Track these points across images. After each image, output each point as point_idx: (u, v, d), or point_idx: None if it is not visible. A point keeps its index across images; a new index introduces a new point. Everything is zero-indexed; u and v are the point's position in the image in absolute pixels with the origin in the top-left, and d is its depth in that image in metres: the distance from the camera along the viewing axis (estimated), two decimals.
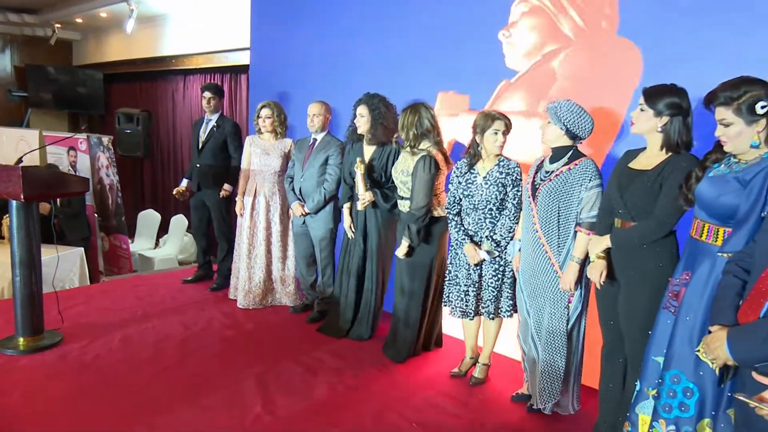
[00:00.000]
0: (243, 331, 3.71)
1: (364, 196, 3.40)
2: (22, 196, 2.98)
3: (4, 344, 3.26)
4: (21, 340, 3.27)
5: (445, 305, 3.21)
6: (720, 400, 1.93)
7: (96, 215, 6.41)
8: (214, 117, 4.45)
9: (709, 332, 1.69)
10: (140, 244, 7.06)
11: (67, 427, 2.52)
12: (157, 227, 7.22)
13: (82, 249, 5.54)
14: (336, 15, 4.51)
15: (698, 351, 1.96)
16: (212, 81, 7.38)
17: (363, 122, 3.43)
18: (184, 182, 4.58)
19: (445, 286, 3.19)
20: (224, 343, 3.54)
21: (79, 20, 8.50)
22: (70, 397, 2.78)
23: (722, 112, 1.88)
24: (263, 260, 4.05)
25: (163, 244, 7.17)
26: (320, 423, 2.67)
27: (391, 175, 3.38)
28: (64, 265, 4.68)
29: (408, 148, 3.24)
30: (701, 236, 2.04)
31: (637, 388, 2.25)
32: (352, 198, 3.61)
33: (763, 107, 1.82)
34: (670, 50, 2.78)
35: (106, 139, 6.24)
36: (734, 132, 1.88)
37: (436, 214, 3.26)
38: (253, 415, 2.70)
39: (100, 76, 9.16)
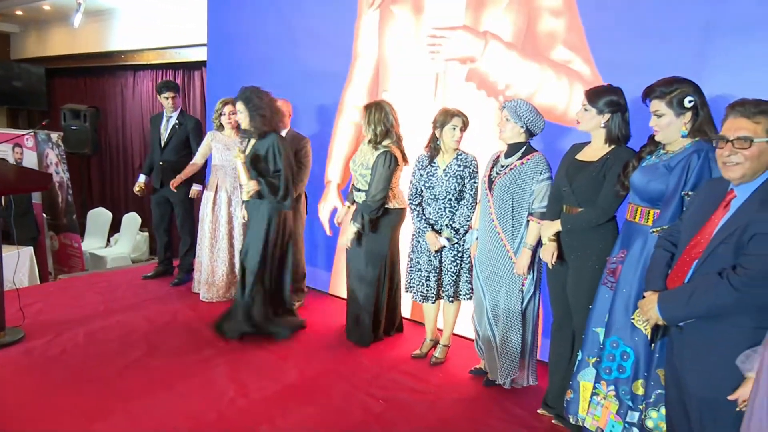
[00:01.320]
0: (209, 322, 3.78)
1: (248, 185, 3.45)
2: None
3: None
4: None
5: (407, 291, 3.40)
6: (651, 362, 2.21)
7: (44, 214, 6.27)
8: (175, 114, 4.48)
9: (644, 297, 1.94)
10: (91, 243, 6.94)
11: (43, 419, 2.56)
12: (108, 225, 7.10)
13: (31, 248, 5.44)
14: (294, 11, 4.63)
15: (633, 319, 2.24)
16: (164, 77, 7.32)
17: (242, 118, 3.47)
18: (142, 178, 4.58)
19: (406, 273, 3.38)
20: (191, 334, 3.61)
21: (19, 12, 8.22)
22: (42, 390, 2.81)
23: (657, 104, 2.18)
24: (226, 254, 4.13)
25: (114, 243, 7.07)
26: (293, 403, 2.81)
27: (279, 164, 3.44)
28: (12, 265, 4.60)
29: (371, 143, 3.41)
30: (635, 218, 2.33)
31: (579, 357, 2.52)
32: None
33: (690, 101, 2.14)
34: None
35: (55, 136, 6.12)
36: (665, 122, 2.17)
37: (390, 206, 3.44)
38: (227, 399, 2.81)
39: (41, 70, 8.87)
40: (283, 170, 3.42)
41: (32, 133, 6.10)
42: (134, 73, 7.82)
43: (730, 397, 1.64)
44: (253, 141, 3.52)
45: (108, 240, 7.10)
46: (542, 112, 2.86)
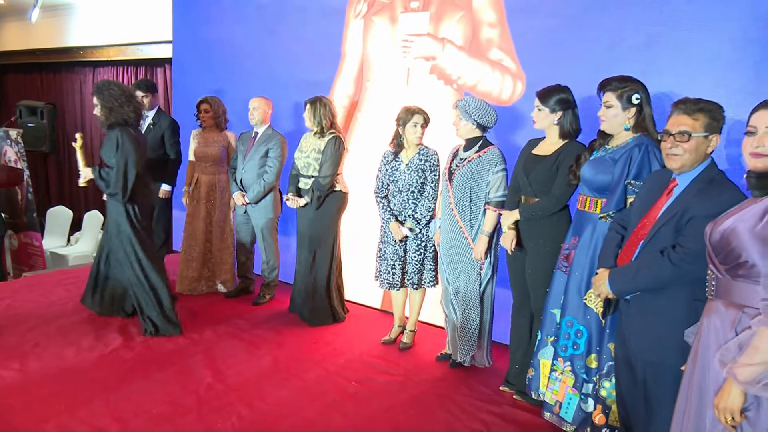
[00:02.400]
0: (183, 314, 3.85)
1: (84, 172, 3.51)
2: None
3: None
4: None
5: (376, 280, 3.56)
6: (603, 338, 2.44)
7: (1, 213, 6.14)
8: (151, 114, 4.50)
9: (596, 274, 2.15)
10: (51, 242, 6.82)
11: (26, 408, 2.61)
12: (68, 224, 7.00)
13: None
14: (259, 8, 4.74)
15: (585, 299, 2.46)
16: (125, 74, 7.26)
17: (97, 111, 3.48)
18: None
19: (375, 263, 3.54)
20: None
21: None
22: (21, 382, 2.85)
23: (609, 96, 2.42)
24: (201, 248, 4.21)
25: (75, 242, 6.97)
26: (269, 387, 2.93)
27: (111, 160, 3.44)
28: None
29: (317, 134, 3.69)
30: (585, 207, 2.56)
31: (539, 337, 2.74)
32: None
33: (636, 98, 2.39)
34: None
35: (14, 133, 6.00)
36: (612, 113, 2.42)
37: (337, 188, 3.73)
38: (205, 384, 2.91)
39: None
40: (115, 165, 3.40)
41: None
42: (93, 69, 7.70)
43: (682, 368, 1.83)
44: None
45: (68, 239, 7.00)
46: (483, 96, 3.20)
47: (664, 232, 1.95)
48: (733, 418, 1.46)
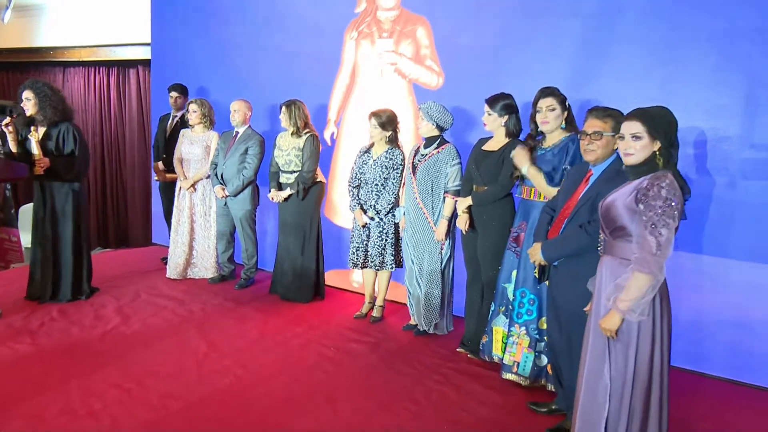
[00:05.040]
0: (171, 297, 4.23)
1: (43, 161, 3.80)
2: None
3: None
4: None
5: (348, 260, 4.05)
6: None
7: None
8: (179, 113, 5.02)
9: (532, 246, 2.69)
10: (25, 238, 6.99)
11: (45, 377, 2.98)
12: None
13: None
14: (238, 10, 5.16)
15: (535, 272, 2.98)
16: (97, 74, 7.48)
17: (31, 105, 3.82)
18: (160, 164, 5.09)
19: (350, 245, 4.03)
20: (158, 307, 4.07)
21: None
22: (36, 354, 3.21)
23: (551, 101, 2.93)
24: (187, 237, 4.62)
25: None
26: (259, 353, 3.38)
27: (70, 147, 3.89)
28: None
29: (294, 134, 4.13)
30: (530, 197, 3.08)
31: (492, 308, 3.26)
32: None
33: (567, 103, 2.95)
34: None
35: None
36: (554, 115, 2.94)
37: (318, 179, 4.24)
38: (202, 353, 3.33)
39: None
40: (77, 153, 3.91)
41: None
42: (64, 69, 7.86)
43: (585, 309, 2.39)
44: (43, 128, 3.91)
45: None
46: (424, 85, 4.20)
47: (582, 212, 2.49)
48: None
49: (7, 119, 3.73)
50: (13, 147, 3.76)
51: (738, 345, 3.28)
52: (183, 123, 4.90)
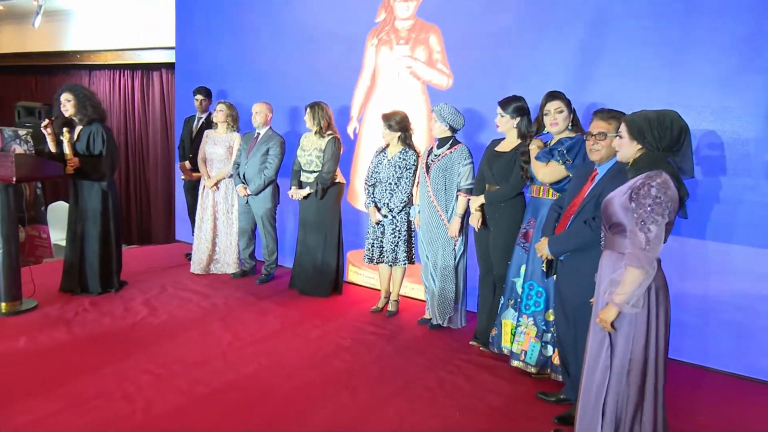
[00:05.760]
0: (195, 291, 4.43)
1: (73, 161, 4.02)
2: (14, 179, 3.52)
3: None
4: (3, 305, 3.78)
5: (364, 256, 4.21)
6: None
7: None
8: (204, 115, 5.26)
9: (540, 242, 2.82)
10: (54, 235, 7.27)
11: (83, 361, 3.18)
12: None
13: None
14: (261, 16, 5.35)
15: (543, 267, 3.11)
16: (122, 77, 7.74)
17: (70, 106, 4.04)
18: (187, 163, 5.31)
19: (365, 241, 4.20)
20: (180, 299, 4.28)
21: None
22: (72, 342, 3.42)
23: (559, 104, 3.07)
24: (210, 234, 4.83)
25: None
26: (281, 343, 3.56)
27: (100, 148, 4.07)
28: None
29: (317, 134, 4.29)
30: (539, 195, 3.21)
31: (501, 302, 3.40)
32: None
33: (572, 105, 3.07)
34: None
35: (23, 132, 6.45)
36: (563, 117, 3.07)
37: (337, 180, 4.37)
38: (226, 342, 3.52)
39: None
40: (104, 153, 4.09)
41: None
42: (90, 72, 8.15)
43: (591, 300, 2.51)
44: (79, 127, 4.14)
45: None
46: (436, 86, 4.41)
47: (587, 208, 2.62)
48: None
49: (46, 121, 3.95)
50: (52, 147, 3.98)
51: None
52: (208, 124, 5.10)
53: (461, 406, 2.90)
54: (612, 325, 2.18)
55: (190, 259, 5.05)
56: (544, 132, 3.19)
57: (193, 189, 5.24)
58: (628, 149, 2.22)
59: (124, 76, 7.73)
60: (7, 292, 3.78)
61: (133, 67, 7.58)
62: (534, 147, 3.18)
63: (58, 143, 4.03)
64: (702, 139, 3.40)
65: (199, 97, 5.25)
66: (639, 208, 2.09)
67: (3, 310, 3.77)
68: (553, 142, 3.14)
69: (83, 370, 3.05)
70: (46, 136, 4.00)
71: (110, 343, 3.42)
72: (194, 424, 2.61)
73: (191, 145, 5.22)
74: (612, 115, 2.62)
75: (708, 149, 3.42)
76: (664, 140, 2.15)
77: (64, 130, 4.03)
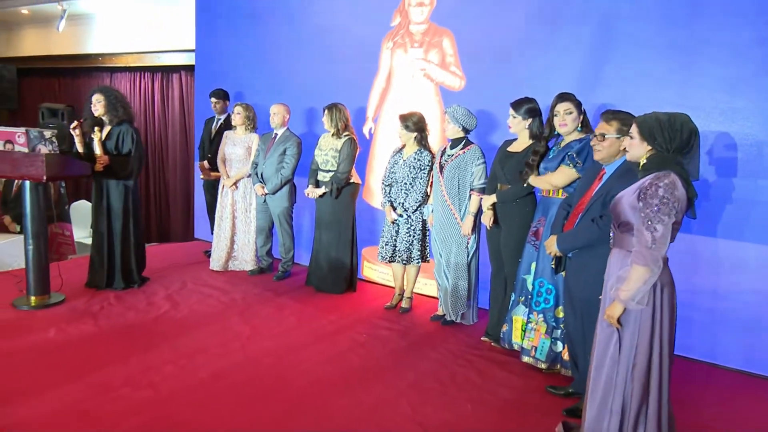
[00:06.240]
0: (214, 287, 4.57)
1: (103, 158, 4.18)
2: (44, 178, 3.68)
3: (18, 303, 3.94)
4: (33, 298, 3.94)
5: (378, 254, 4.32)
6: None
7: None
8: (223, 117, 5.42)
9: (549, 239, 2.91)
10: (76, 233, 7.47)
11: (109, 352, 3.32)
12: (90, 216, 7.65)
13: None
14: (280, 19, 5.48)
15: (552, 264, 3.19)
16: (142, 79, 7.93)
17: (100, 106, 4.18)
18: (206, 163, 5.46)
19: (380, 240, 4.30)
20: (201, 294, 4.42)
21: None
22: (98, 334, 3.56)
23: (569, 105, 3.14)
24: (229, 232, 4.98)
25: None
26: (297, 338, 3.67)
27: (129, 147, 4.22)
28: (10, 251, 5.28)
29: (334, 135, 4.41)
30: (549, 194, 3.29)
31: (512, 298, 3.48)
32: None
33: (583, 107, 3.15)
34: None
35: (48, 133, 6.61)
36: (572, 118, 3.14)
37: (352, 180, 4.45)
38: (245, 336, 3.64)
39: (12, 69, 9.22)
40: (133, 153, 4.23)
41: (24, 131, 6.61)
42: (111, 74, 8.34)
43: (600, 297, 2.58)
44: (108, 127, 4.28)
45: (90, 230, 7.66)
46: (449, 87, 4.52)
47: (595, 207, 2.70)
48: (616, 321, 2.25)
49: (75, 123, 4.11)
50: (80, 147, 4.14)
51: None
52: (227, 125, 5.23)
53: (473, 399, 2.99)
54: (618, 321, 2.25)
55: (209, 256, 5.19)
56: (554, 134, 3.27)
57: (211, 188, 5.38)
58: (638, 150, 2.29)
59: (144, 78, 7.91)
60: (36, 286, 3.94)
61: (153, 70, 7.76)
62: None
63: (86, 144, 4.18)
64: (712, 140, 3.46)
65: (213, 99, 5.38)
66: (646, 207, 2.16)
67: (33, 303, 3.93)
68: (563, 144, 3.22)
69: (110, 361, 3.18)
70: (75, 137, 4.15)
71: (135, 336, 3.56)
72: (214, 413, 2.73)
73: (210, 146, 5.37)
74: (614, 117, 2.70)
75: (719, 150, 3.47)
76: (674, 142, 2.20)
77: (96, 129, 4.19)
